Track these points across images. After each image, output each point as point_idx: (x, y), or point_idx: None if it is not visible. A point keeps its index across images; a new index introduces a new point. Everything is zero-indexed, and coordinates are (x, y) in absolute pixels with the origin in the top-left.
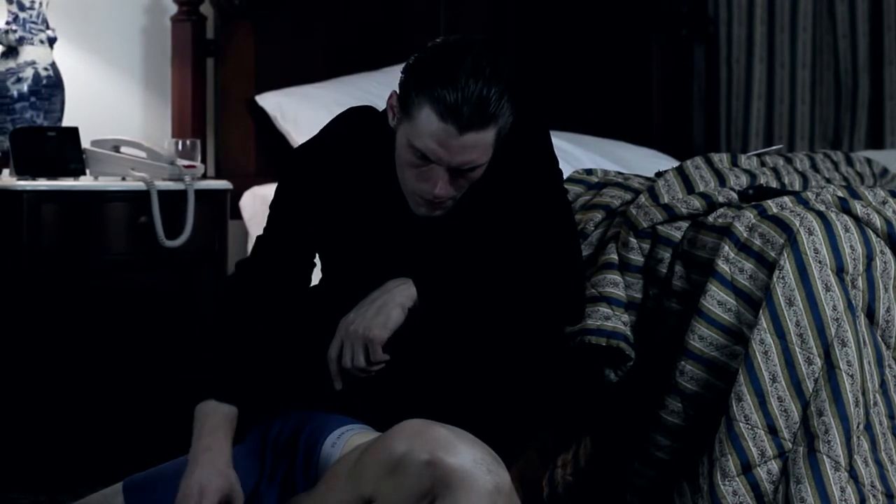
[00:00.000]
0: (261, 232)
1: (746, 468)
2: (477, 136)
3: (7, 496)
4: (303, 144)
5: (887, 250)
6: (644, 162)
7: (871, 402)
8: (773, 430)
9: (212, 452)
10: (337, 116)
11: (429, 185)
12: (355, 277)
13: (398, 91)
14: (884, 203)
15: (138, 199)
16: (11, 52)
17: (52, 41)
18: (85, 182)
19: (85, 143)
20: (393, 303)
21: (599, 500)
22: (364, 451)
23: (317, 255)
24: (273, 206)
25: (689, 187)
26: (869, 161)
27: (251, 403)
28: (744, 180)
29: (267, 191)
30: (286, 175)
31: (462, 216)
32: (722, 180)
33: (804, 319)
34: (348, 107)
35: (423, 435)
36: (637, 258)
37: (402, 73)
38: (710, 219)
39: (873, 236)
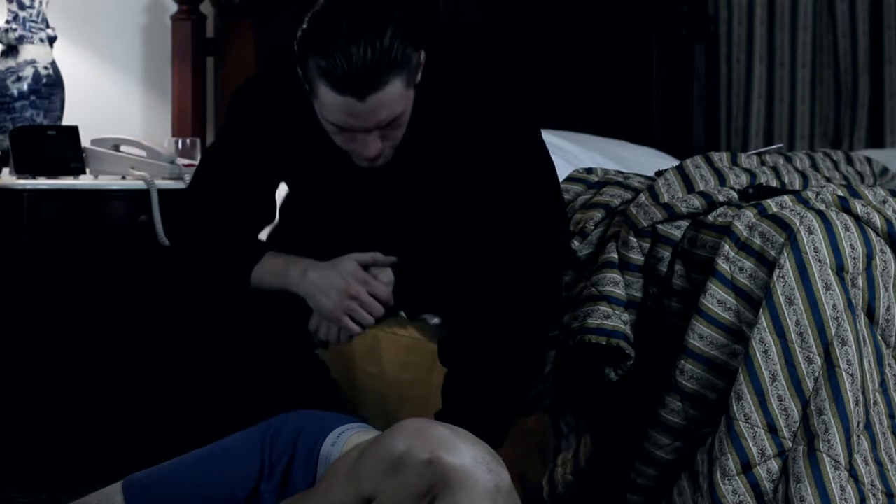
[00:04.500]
0: (261, 232)
1: (746, 467)
2: (379, 95)
3: (7, 495)
4: (255, 78)
5: (887, 249)
6: (644, 161)
7: (871, 401)
8: (773, 430)
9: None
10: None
11: (359, 147)
12: (315, 224)
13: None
14: (884, 202)
15: (138, 198)
16: (11, 50)
17: (51, 40)
18: (85, 181)
19: (85, 141)
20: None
21: (599, 499)
22: (364, 450)
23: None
24: (219, 147)
25: (690, 186)
26: (869, 160)
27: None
28: (744, 179)
29: None
30: (240, 109)
31: (421, 170)
32: (722, 179)
33: (804, 318)
34: None
35: (423, 434)
36: (637, 257)
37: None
38: (711, 218)
39: (873, 235)
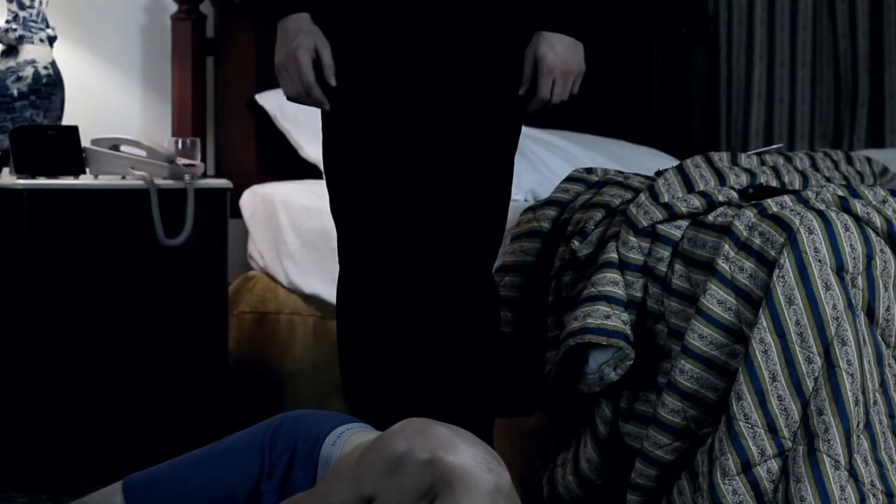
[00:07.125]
0: (261, 232)
1: (746, 467)
2: None
3: (7, 495)
4: None
5: (887, 249)
6: (644, 161)
7: (871, 401)
8: (772, 429)
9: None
10: None
11: None
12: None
13: None
14: (884, 202)
15: (138, 198)
16: (11, 50)
17: (51, 40)
18: (85, 181)
19: (85, 141)
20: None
21: (599, 499)
22: (364, 450)
23: None
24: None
25: (690, 186)
26: (869, 160)
27: None
28: (744, 179)
29: (267, 189)
30: None
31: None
32: (722, 179)
33: (804, 318)
34: None
35: (423, 434)
36: (637, 257)
37: None
38: (710, 218)
39: (873, 235)
